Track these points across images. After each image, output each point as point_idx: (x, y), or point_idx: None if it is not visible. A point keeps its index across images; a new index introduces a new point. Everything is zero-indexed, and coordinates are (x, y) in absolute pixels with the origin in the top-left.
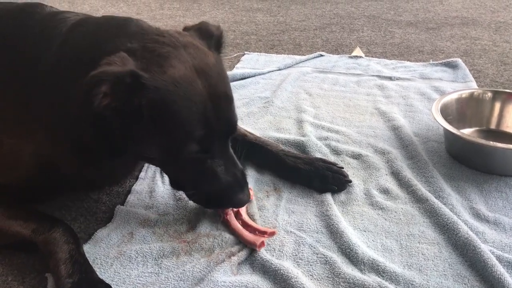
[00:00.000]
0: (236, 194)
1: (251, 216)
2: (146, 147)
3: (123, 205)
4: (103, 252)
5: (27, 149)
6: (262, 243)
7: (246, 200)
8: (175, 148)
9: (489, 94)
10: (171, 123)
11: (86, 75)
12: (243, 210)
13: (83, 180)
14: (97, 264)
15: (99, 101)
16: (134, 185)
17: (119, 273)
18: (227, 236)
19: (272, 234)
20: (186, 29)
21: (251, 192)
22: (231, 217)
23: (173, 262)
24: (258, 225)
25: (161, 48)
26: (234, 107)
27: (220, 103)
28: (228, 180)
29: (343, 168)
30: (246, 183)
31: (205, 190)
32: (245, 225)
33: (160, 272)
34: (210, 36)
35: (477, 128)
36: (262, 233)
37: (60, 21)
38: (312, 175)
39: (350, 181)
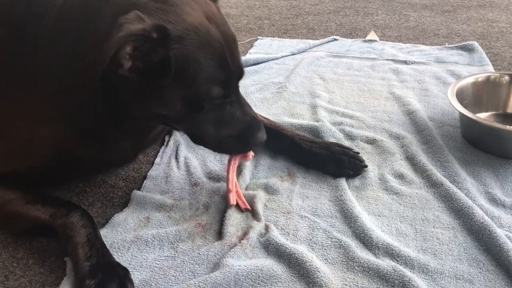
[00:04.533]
0: (256, 133)
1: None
2: (167, 104)
3: (139, 190)
4: (120, 236)
5: (40, 132)
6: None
7: (265, 137)
8: (199, 95)
9: (506, 78)
10: (196, 71)
11: (96, 40)
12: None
13: (97, 161)
14: (115, 248)
15: (127, 63)
16: (150, 170)
17: (136, 257)
18: (238, 218)
19: (246, 209)
20: None
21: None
22: (234, 167)
23: (188, 246)
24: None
25: None
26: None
27: (232, 47)
28: (248, 121)
29: (359, 153)
30: (261, 122)
31: (229, 136)
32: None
33: (176, 255)
34: None
35: (494, 112)
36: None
37: None
38: (328, 160)
39: (366, 166)
